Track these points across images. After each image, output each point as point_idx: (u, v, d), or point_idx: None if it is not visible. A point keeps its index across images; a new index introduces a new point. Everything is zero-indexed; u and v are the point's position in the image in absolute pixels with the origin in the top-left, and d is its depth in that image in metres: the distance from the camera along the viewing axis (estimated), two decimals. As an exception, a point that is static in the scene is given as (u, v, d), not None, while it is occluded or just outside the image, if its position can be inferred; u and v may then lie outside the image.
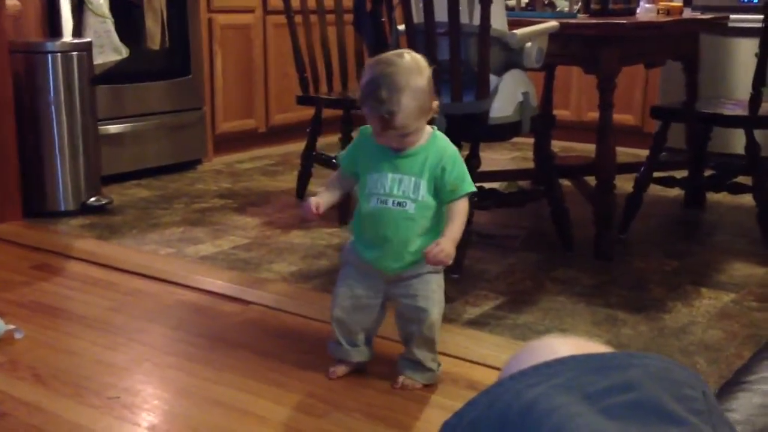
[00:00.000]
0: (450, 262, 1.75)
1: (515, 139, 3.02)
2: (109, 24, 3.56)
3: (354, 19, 2.89)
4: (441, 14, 2.40)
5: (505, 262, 2.78)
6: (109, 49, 3.56)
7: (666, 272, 2.69)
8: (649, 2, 3.47)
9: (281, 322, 2.26)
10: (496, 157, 4.41)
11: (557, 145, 4.09)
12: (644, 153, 3.25)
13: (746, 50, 3.99)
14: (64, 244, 2.93)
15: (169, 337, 2.16)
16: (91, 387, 1.87)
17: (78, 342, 2.12)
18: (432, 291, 1.83)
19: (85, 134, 3.32)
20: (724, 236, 3.13)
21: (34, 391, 1.84)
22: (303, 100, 3.50)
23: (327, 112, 3.53)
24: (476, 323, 2.24)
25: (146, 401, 1.81)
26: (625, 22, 2.79)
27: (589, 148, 3.33)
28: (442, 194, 1.79)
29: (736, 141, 3.63)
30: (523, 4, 3.35)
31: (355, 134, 2.03)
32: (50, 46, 3.24)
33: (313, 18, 3.41)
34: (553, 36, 2.66)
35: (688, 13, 3.52)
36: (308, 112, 3.59)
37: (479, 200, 2.53)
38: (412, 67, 1.72)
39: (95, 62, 3.42)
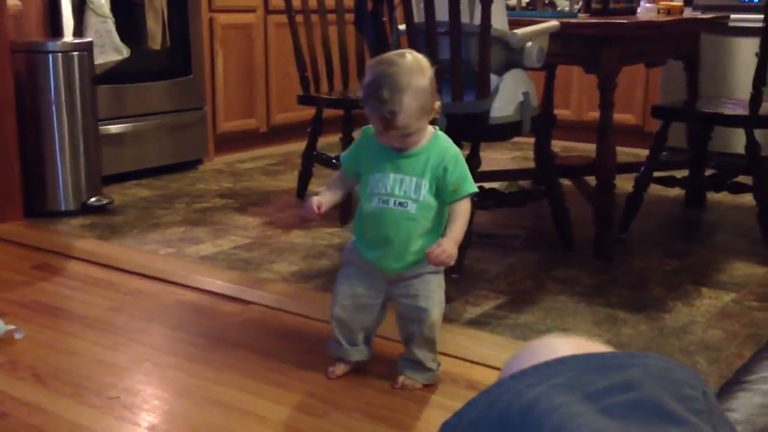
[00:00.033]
0: (452, 262, 1.75)
1: (516, 139, 3.02)
2: (110, 24, 3.56)
3: (355, 18, 2.89)
4: (442, 14, 2.40)
5: (506, 261, 2.78)
6: (110, 48, 3.56)
7: (666, 272, 2.69)
8: (649, 2, 3.47)
9: (281, 322, 2.26)
10: (496, 157, 4.41)
11: (558, 145, 4.09)
12: (644, 153, 3.25)
13: (747, 50, 3.99)
14: (64, 244, 2.93)
15: (169, 337, 2.16)
16: (92, 387, 1.87)
17: (78, 342, 2.12)
18: (433, 291, 1.83)
19: (86, 134, 3.32)
20: (725, 236, 3.13)
21: (34, 391, 1.84)
22: (304, 100, 3.50)
23: (328, 112, 3.53)
24: (476, 323, 2.24)
25: (146, 401, 1.81)
26: (625, 21, 2.79)
27: (589, 148, 3.33)
28: (444, 194, 1.79)
29: (737, 140, 3.62)
30: (523, 4, 3.35)
31: (355, 134, 2.03)
32: (51, 45, 3.24)
33: (314, 17, 3.41)
34: (553, 35, 2.66)
35: (688, 13, 3.52)
36: (309, 111, 3.59)
37: (480, 200, 2.53)
38: (414, 67, 1.72)
39: (96, 62, 3.43)
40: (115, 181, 3.78)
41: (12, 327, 2.12)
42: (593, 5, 3.05)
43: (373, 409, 1.78)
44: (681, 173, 3.32)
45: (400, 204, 1.78)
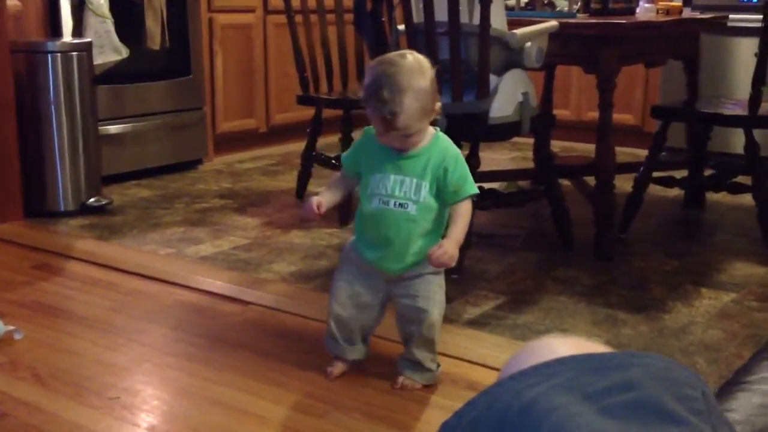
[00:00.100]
0: (453, 264, 1.75)
1: (515, 139, 3.02)
2: (109, 24, 3.56)
3: (354, 18, 2.89)
4: (441, 14, 2.40)
5: (505, 262, 2.78)
6: (109, 49, 3.56)
7: (666, 272, 2.69)
8: (648, 2, 3.48)
9: (281, 322, 2.26)
10: (496, 157, 4.41)
11: (557, 145, 4.09)
12: (644, 153, 3.25)
13: (746, 50, 3.99)
14: (64, 245, 2.93)
15: (169, 338, 2.16)
16: (91, 387, 1.87)
17: (78, 342, 2.12)
18: (433, 292, 1.83)
19: (85, 134, 3.32)
20: (724, 236, 3.13)
21: (34, 391, 1.84)
22: (303, 100, 3.50)
23: (327, 112, 3.53)
24: (476, 323, 2.24)
25: (146, 401, 1.81)
26: (624, 21, 2.79)
27: (589, 148, 3.33)
28: (444, 195, 1.79)
29: (736, 141, 3.62)
30: (522, 4, 3.35)
31: (355, 134, 2.03)
32: (51, 46, 3.24)
33: (314, 18, 3.41)
34: (552, 36, 2.66)
35: (687, 13, 3.52)
36: (308, 112, 3.59)
37: (479, 200, 2.53)
38: (415, 67, 1.72)
39: (95, 62, 3.43)
40: (115, 182, 3.78)
41: (12, 327, 2.12)
42: (592, 5, 3.05)
43: (373, 409, 1.78)
44: (680, 173, 3.32)
45: (401, 205, 1.78)
